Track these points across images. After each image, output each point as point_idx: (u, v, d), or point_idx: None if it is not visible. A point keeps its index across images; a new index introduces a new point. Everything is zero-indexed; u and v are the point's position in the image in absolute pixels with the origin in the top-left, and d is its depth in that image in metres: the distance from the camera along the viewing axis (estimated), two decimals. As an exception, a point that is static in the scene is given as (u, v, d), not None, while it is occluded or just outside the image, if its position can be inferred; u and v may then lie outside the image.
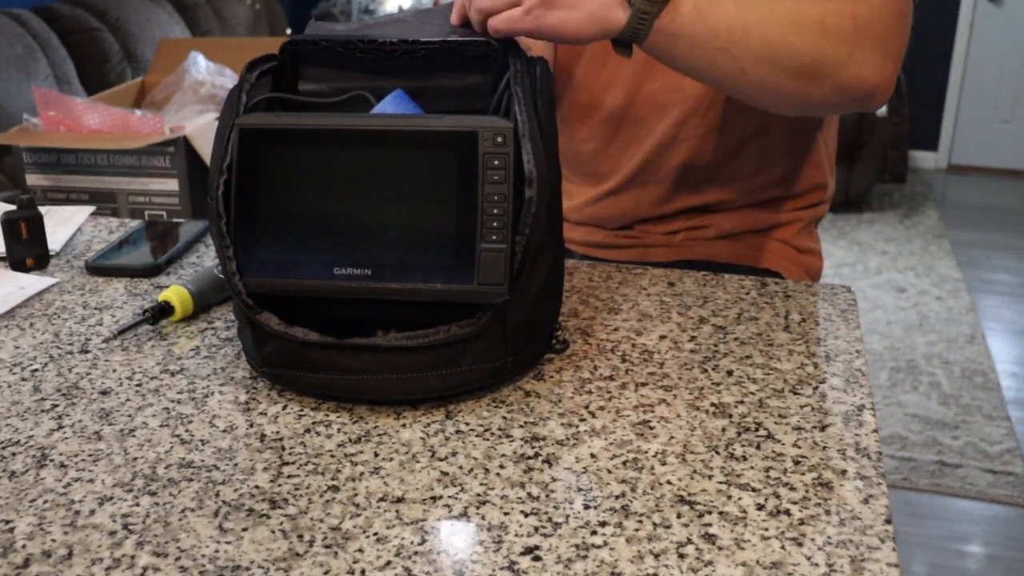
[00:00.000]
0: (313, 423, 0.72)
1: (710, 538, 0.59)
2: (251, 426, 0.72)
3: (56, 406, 0.74)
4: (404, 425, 0.71)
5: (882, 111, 3.98)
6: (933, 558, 2.03)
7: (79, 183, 1.40)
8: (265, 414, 0.73)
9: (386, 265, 0.72)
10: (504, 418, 0.72)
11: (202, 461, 0.67)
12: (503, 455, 0.68)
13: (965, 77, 4.88)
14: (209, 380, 0.78)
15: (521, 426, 0.71)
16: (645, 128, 1.12)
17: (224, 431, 0.71)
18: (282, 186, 0.73)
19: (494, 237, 0.71)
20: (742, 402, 0.75)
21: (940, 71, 4.87)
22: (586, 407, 0.74)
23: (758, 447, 0.69)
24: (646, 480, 0.65)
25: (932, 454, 2.40)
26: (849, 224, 4.13)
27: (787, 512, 0.61)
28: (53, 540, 0.59)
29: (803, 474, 0.65)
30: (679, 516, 0.61)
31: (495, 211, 0.71)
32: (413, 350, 0.71)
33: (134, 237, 1.09)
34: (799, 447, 0.69)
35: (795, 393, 0.76)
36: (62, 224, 1.15)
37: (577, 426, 0.71)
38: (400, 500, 0.62)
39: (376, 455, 0.68)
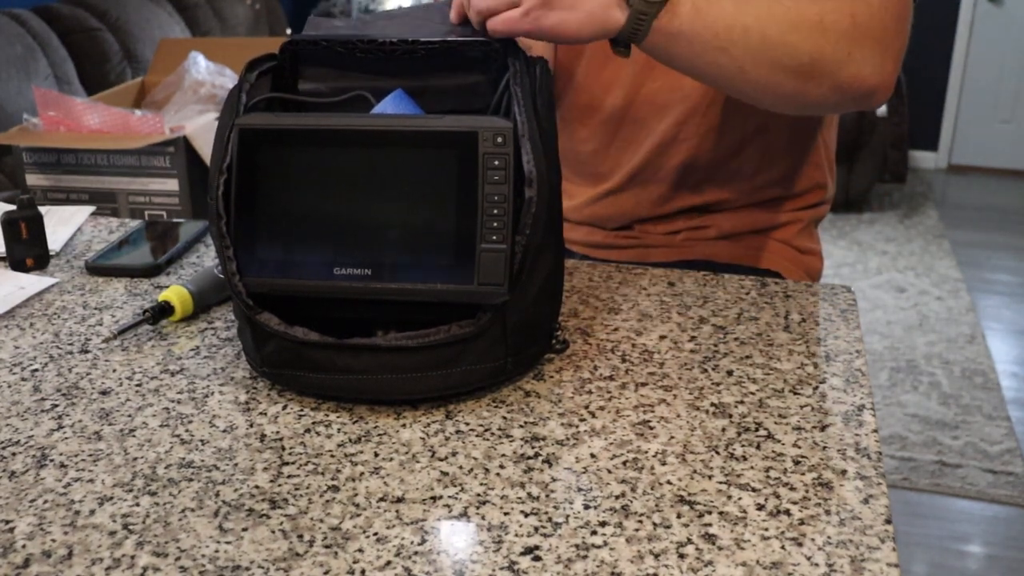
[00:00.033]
0: (313, 423, 0.72)
1: (710, 538, 0.59)
2: (251, 426, 0.72)
3: (56, 406, 0.74)
4: (404, 425, 0.71)
5: (882, 111, 3.98)
6: (933, 558, 2.03)
7: (79, 183, 1.40)
8: (265, 414, 0.73)
9: (386, 265, 0.72)
10: (504, 418, 0.72)
11: (202, 461, 0.67)
12: (503, 455, 0.68)
13: (965, 77, 4.88)
14: (209, 380, 0.78)
15: (521, 426, 0.71)
16: (645, 128, 1.12)
17: (224, 431, 0.71)
18: (282, 186, 0.73)
19: (494, 237, 0.71)
20: (742, 402, 0.75)
21: (940, 71, 4.87)
22: (586, 407, 0.74)
23: (758, 447, 0.69)
24: (646, 480, 0.65)
25: (932, 454, 2.40)
26: (849, 224, 4.13)
27: (787, 512, 0.61)
28: (53, 540, 0.59)
29: (803, 474, 0.65)
30: (679, 516, 0.61)
31: (495, 211, 0.71)
32: (413, 350, 0.71)
33: (134, 237, 1.09)
34: (799, 447, 0.69)
35: (795, 393, 0.76)
36: (62, 224, 1.15)
37: (577, 426, 0.71)
38: (400, 500, 0.62)
39: (376, 455, 0.68)
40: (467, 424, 0.72)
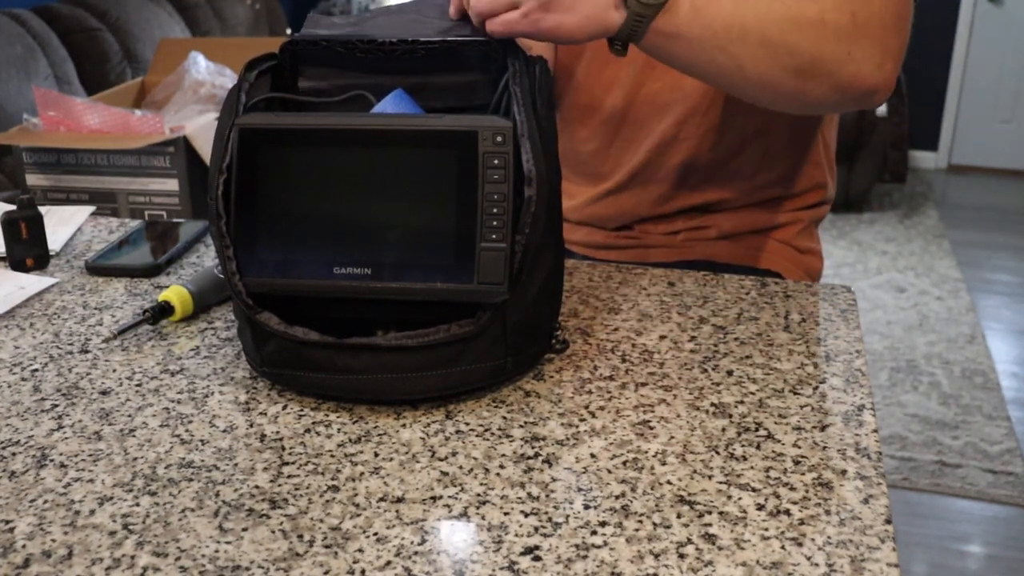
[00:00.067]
0: (313, 423, 0.72)
1: (710, 538, 0.59)
2: (251, 426, 0.71)
3: (56, 406, 0.74)
4: (404, 425, 0.71)
5: (882, 111, 3.99)
6: (933, 558, 2.03)
7: (79, 183, 1.40)
8: (265, 414, 0.73)
9: (386, 265, 0.72)
10: (504, 418, 0.72)
11: (202, 461, 0.67)
12: (503, 455, 0.68)
13: (965, 77, 4.88)
14: (209, 380, 0.78)
15: (521, 426, 0.71)
16: (645, 128, 1.12)
17: (224, 431, 0.71)
18: (282, 186, 0.73)
19: (494, 236, 0.71)
20: (742, 402, 0.75)
21: (940, 71, 4.87)
22: (586, 407, 0.74)
23: (758, 447, 0.69)
24: (646, 480, 0.65)
25: (932, 454, 2.40)
26: (849, 224, 4.13)
27: (787, 512, 0.61)
28: (53, 540, 0.59)
29: (803, 474, 0.65)
30: (679, 516, 0.61)
31: (495, 210, 0.71)
32: (413, 350, 0.71)
33: (134, 237, 1.09)
34: (799, 447, 0.69)
35: (795, 393, 0.76)
36: (62, 224, 1.15)
37: (577, 426, 0.71)
38: (400, 500, 0.62)
39: (376, 455, 0.68)
40: (467, 424, 0.72)
